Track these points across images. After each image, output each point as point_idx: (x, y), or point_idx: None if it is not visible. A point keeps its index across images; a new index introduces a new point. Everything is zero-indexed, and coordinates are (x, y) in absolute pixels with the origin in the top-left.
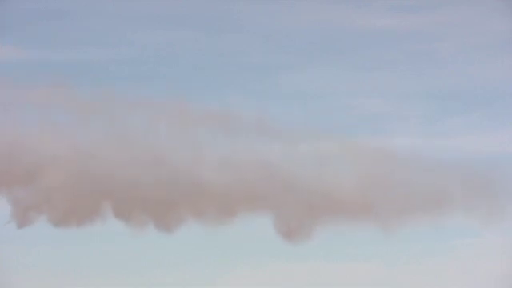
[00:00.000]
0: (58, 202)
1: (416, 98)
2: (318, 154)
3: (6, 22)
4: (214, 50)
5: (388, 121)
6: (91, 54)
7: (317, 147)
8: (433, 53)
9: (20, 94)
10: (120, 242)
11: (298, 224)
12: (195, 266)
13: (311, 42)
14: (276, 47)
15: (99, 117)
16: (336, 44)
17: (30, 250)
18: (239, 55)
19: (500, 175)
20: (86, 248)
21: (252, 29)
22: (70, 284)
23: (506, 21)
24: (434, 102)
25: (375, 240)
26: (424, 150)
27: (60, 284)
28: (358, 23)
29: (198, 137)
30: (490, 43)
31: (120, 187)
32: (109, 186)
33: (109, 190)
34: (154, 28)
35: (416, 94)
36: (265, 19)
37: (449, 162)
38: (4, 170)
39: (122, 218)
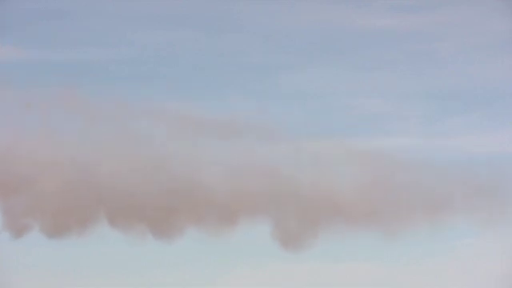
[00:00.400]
0: (52, 212)
1: (416, 98)
2: (319, 158)
3: (6, 21)
4: (214, 50)
5: (388, 121)
6: (91, 54)
7: (317, 151)
8: (433, 53)
9: (19, 95)
10: (120, 242)
11: (298, 232)
12: (195, 266)
13: (311, 41)
14: (276, 47)
15: (99, 122)
16: (336, 44)
17: (30, 250)
18: (239, 55)
19: (500, 175)
20: (85, 248)
21: (252, 29)
22: (70, 284)
23: (506, 21)
24: (434, 102)
25: (375, 240)
26: (424, 150)
27: (60, 284)
28: (358, 23)
29: (198, 143)
30: (490, 43)
31: (118, 195)
32: (106, 195)
33: (106, 198)
34: (154, 28)
35: (416, 94)
36: (265, 19)
37: (449, 164)
38: None
39: (119, 228)
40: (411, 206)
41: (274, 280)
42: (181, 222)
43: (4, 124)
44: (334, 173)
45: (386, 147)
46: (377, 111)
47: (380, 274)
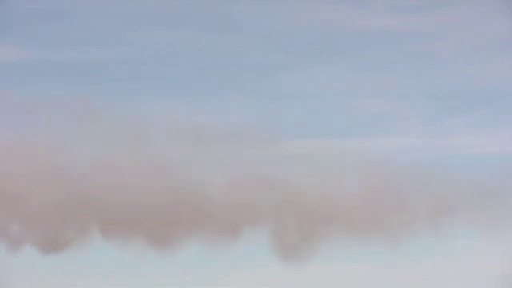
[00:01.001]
0: (48, 227)
1: (416, 98)
2: (319, 161)
3: (6, 21)
4: (213, 50)
5: (388, 121)
6: (91, 54)
7: (317, 153)
8: (433, 53)
9: (17, 96)
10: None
11: (297, 246)
12: (195, 266)
13: (311, 41)
14: (276, 47)
15: (97, 126)
16: (336, 44)
17: (29, 249)
18: (239, 55)
19: (500, 175)
20: (85, 248)
21: (252, 29)
22: (69, 284)
23: (506, 21)
24: (434, 102)
25: (376, 243)
26: (424, 150)
27: (60, 284)
28: (358, 23)
29: (197, 149)
30: (490, 43)
31: (116, 208)
32: (104, 207)
33: (104, 211)
34: (154, 28)
35: (416, 94)
36: (265, 19)
37: (449, 164)
38: None
39: (117, 241)
40: (412, 209)
41: (273, 280)
42: (180, 235)
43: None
44: (334, 177)
45: (385, 147)
46: (377, 111)
47: (380, 275)
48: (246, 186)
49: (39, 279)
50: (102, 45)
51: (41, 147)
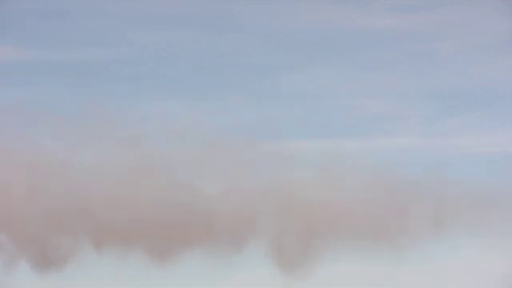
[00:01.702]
0: (43, 242)
1: (416, 98)
2: (319, 164)
3: (6, 21)
4: (213, 50)
5: (388, 121)
6: (91, 54)
7: (317, 156)
8: (433, 53)
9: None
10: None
11: (297, 260)
12: (195, 266)
13: (311, 41)
14: (276, 47)
15: (97, 128)
16: (336, 44)
17: (24, 265)
18: (239, 55)
19: (500, 175)
20: (82, 260)
21: (252, 29)
22: (69, 284)
23: (506, 21)
24: (434, 102)
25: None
26: (424, 150)
27: (60, 284)
28: (358, 23)
29: (198, 153)
30: (490, 43)
31: (114, 219)
32: (102, 218)
33: (102, 222)
34: (154, 28)
35: (416, 94)
36: (265, 19)
37: (448, 164)
38: None
39: (115, 254)
40: (413, 210)
41: (273, 280)
42: (179, 245)
43: None
44: (334, 177)
45: (385, 147)
46: (377, 111)
47: (381, 275)
48: (246, 189)
49: None
50: (102, 45)
51: (38, 151)
